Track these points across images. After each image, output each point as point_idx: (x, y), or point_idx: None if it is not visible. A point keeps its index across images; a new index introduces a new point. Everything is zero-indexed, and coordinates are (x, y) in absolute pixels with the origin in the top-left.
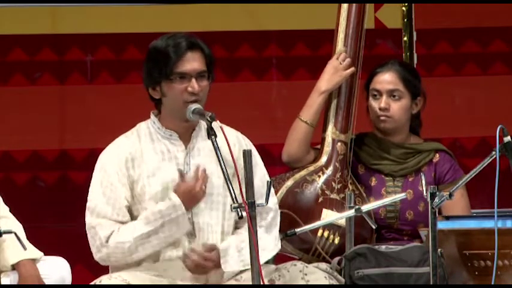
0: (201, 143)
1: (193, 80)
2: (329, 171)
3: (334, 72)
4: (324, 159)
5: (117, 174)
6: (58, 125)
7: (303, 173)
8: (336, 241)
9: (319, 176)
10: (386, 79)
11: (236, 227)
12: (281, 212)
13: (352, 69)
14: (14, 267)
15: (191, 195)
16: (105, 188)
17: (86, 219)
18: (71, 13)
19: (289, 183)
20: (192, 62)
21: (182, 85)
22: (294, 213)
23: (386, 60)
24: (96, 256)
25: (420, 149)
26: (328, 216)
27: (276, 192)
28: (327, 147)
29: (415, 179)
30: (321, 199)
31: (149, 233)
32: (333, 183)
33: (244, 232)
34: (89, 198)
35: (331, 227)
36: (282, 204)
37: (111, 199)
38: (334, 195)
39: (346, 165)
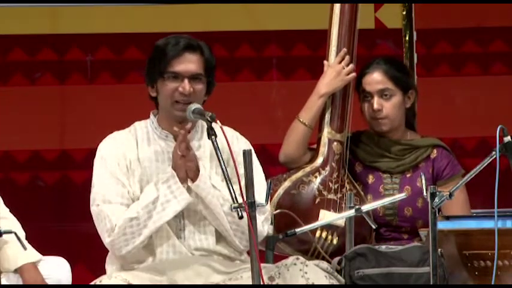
0: (197, 145)
1: (186, 81)
2: (325, 172)
3: (336, 76)
4: (320, 159)
5: (118, 165)
6: (58, 125)
7: (299, 174)
8: (335, 241)
9: (316, 177)
10: (375, 79)
11: None
12: (281, 212)
13: (354, 74)
14: (17, 270)
15: (177, 163)
16: (106, 179)
17: (91, 209)
18: (71, 13)
19: (286, 184)
20: (187, 63)
21: (174, 84)
22: None
23: None
24: (107, 240)
25: (417, 144)
26: (326, 216)
27: (273, 194)
28: (323, 148)
29: (412, 175)
30: (318, 200)
31: (154, 200)
32: (330, 184)
33: None
34: (92, 188)
35: (329, 227)
36: (279, 206)
37: (113, 185)
38: (331, 196)
39: (342, 165)
